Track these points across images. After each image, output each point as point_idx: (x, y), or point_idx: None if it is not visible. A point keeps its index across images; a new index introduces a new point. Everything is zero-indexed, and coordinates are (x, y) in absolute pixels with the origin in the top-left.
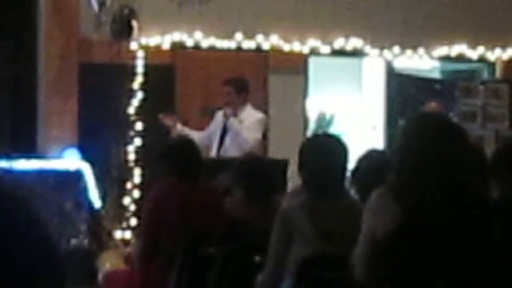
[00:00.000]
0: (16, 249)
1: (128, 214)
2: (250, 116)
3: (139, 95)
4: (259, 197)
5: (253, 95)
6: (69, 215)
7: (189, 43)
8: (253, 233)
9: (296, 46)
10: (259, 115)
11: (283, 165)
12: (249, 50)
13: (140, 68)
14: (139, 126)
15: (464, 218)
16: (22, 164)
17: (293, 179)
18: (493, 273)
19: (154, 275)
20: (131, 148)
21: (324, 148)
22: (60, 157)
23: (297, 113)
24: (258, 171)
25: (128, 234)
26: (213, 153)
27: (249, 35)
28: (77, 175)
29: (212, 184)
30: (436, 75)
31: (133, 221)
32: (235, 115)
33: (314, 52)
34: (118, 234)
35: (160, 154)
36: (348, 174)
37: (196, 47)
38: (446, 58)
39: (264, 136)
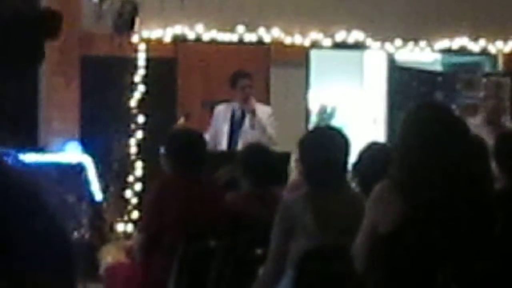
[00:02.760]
0: (22, 237)
1: (129, 207)
2: (261, 111)
3: (141, 88)
4: (265, 187)
5: (255, 88)
6: (71, 208)
7: (191, 36)
8: (254, 226)
9: (297, 39)
10: (268, 109)
11: (285, 157)
12: (250, 43)
13: (141, 61)
14: (140, 119)
15: (466, 210)
16: (24, 157)
17: (295, 172)
18: (495, 264)
19: (155, 268)
20: (132, 141)
21: (326, 141)
22: (61, 150)
23: (299, 106)
24: (265, 160)
25: (129, 227)
26: (222, 147)
27: (251, 28)
28: (79, 168)
29: (213, 177)
30: (438, 68)
31: (135, 214)
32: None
33: (315, 45)
34: (119, 227)
35: (164, 146)
36: (350, 167)
37: (198, 40)
38: (447, 51)
39: None
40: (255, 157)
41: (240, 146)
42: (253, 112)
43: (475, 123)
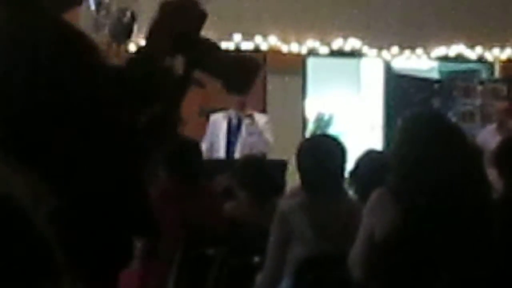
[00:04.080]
0: (15, 250)
1: None
2: (257, 118)
3: None
4: (262, 198)
5: (252, 96)
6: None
7: None
8: (252, 234)
9: (294, 47)
10: (264, 117)
11: (282, 166)
12: (247, 51)
13: None
14: None
15: (463, 216)
16: None
17: (292, 180)
18: (495, 270)
19: (152, 276)
20: None
21: (322, 149)
22: None
23: (296, 113)
24: (261, 172)
25: None
26: (220, 154)
27: (248, 36)
28: None
29: (211, 184)
30: (435, 75)
31: None
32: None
33: (312, 52)
34: None
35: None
36: (347, 174)
37: None
38: (444, 58)
39: None
40: (251, 170)
41: (238, 154)
42: (250, 116)
43: (492, 128)
